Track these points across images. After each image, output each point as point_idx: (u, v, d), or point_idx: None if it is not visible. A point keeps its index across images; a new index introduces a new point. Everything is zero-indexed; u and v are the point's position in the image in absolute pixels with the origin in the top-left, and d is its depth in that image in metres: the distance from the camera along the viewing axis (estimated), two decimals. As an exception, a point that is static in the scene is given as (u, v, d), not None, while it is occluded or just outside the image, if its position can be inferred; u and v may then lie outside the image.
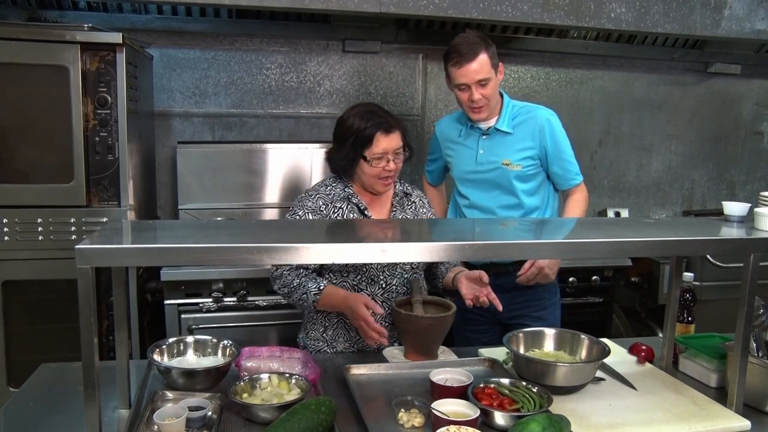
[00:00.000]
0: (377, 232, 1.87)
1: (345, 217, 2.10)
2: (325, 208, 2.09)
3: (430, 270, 2.29)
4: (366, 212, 2.12)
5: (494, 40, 2.32)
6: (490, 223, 2.23)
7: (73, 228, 2.54)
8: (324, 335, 2.15)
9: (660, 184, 4.20)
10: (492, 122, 2.37)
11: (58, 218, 2.54)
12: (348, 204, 2.11)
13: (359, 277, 2.10)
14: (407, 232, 1.94)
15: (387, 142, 2.04)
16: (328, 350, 2.14)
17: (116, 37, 2.48)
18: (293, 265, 2.08)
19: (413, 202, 2.25)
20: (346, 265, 2.08)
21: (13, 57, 2.43)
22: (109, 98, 2.52)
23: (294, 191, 3.37)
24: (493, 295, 2.03)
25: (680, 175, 4.22)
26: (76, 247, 1.25)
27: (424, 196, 2.33)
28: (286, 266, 2.08)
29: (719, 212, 1.90)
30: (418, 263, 2.19)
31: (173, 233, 1.69)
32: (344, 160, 2.09)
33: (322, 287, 2.04)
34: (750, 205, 1.80)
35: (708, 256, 3.24)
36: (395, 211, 2.19)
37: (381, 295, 2.11)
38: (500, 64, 2.31)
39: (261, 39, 3.43)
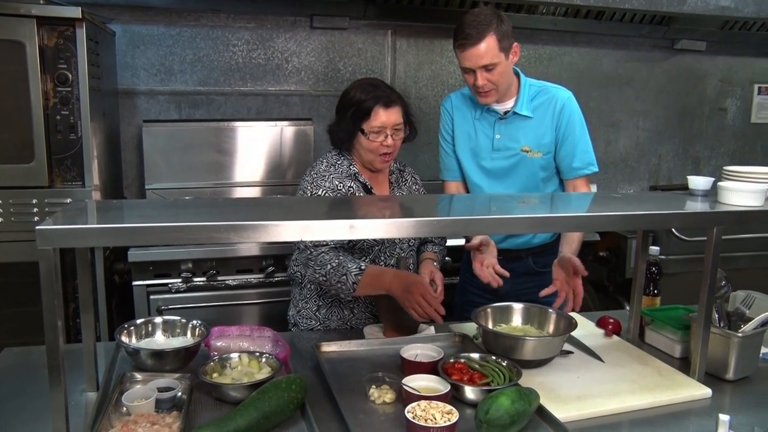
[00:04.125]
0: (360, 208, 1.84)
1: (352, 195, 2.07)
2: (341, 186, 2.05)
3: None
4: (372, 191, 2.10)
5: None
6: (466, 199, 2.22)
7: (35, 209, 2.47)
8: (317, 314, 2.15)
9: (627, 160, 4.26)
10: (509, 105, 2.22)
11: (19, 200, 2.46)
12: (355, 182, 2.08)
13: (364, 258, 2.09)
14: (381, 208, 1.92)
15: (386, 116, 2.02)
16: (320, 328, 2.14)
17: (75, 12, 2.40)
18: (330, 245, 2.01)
19: (406, 179, 2.26)
20: (355, 244, 2.06)
21: (-36, 32, 2.33)
22: (69, 75, 2.44)
23: (263, 169, 3.34)
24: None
25: (647, 151, 4.28)
26: (37, 228, 1.21)
27: (415, 173, 2.29)
28: (324, 247, 2.00)
29: (685, 187, 1.93)
30: (414, 242, 2.20)
31: (139, 212, 1.66)
32: (344, 132, 2.06)
33: (363, 267, 1.94)
34: (714, 179, 1.84)
35: (673, 229, 3.30)
36: (393, 188, 2.19)
37: None
38: (514, 45, 2.12)
39: (227, 15, 3.36)
